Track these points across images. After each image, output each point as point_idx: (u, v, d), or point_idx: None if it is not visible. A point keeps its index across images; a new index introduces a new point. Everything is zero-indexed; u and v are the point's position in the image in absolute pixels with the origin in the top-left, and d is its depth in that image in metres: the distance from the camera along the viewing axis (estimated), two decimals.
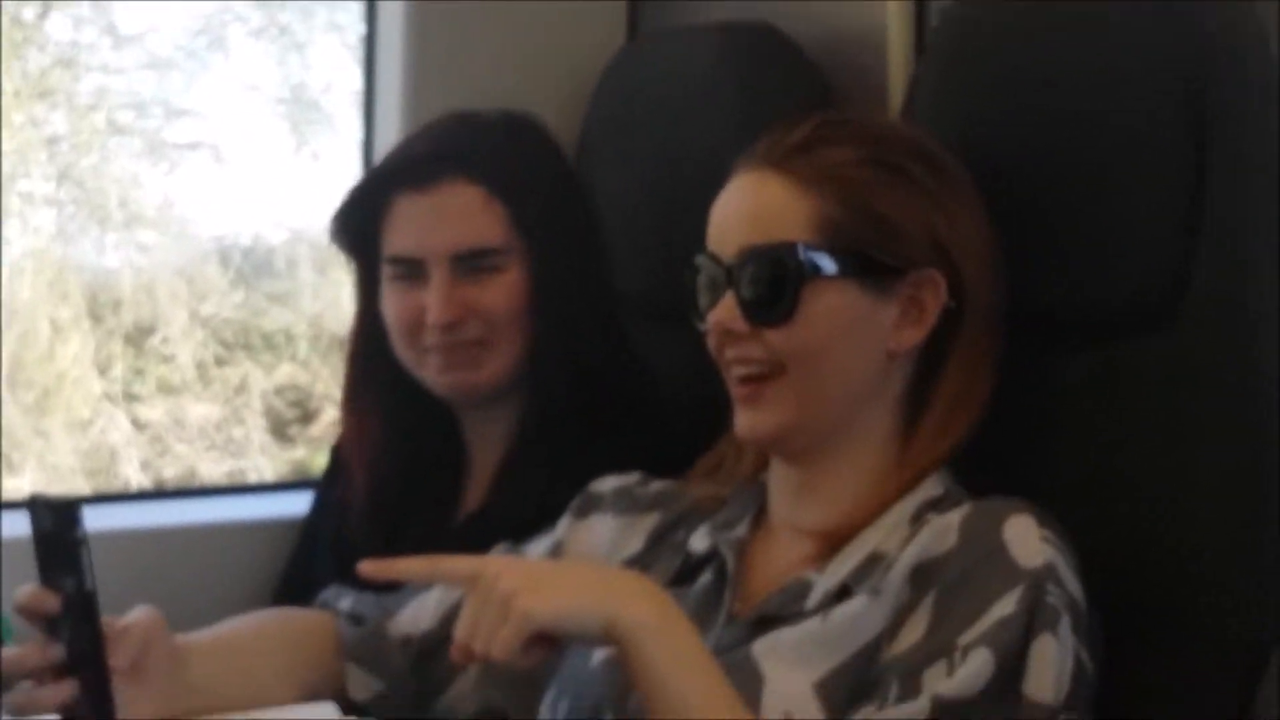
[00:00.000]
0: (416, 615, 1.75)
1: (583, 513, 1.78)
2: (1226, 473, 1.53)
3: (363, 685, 1.73)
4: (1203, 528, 1.54)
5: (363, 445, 2.07)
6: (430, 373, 2.00)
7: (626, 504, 1.76)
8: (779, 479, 1.65)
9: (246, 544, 2.29)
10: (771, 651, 1.50)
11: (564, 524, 1.78)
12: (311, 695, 1.70)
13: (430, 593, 1.77)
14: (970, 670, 1.40)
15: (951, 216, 1.58)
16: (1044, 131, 1.64)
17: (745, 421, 1.59)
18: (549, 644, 1.43)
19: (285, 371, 3.55)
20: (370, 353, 2.06)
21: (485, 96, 2.39)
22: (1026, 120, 1.66)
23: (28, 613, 1.49)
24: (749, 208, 1.59)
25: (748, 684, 1.48)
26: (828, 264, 1.55)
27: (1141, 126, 1.57)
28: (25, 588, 1.49)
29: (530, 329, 1.98)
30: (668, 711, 1.40)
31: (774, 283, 1.55)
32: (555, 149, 2.09)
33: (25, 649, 1.49)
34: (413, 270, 1.98)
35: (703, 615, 1.58)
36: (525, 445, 1.99)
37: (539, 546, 1.77)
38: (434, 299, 1.95)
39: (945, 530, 1.50)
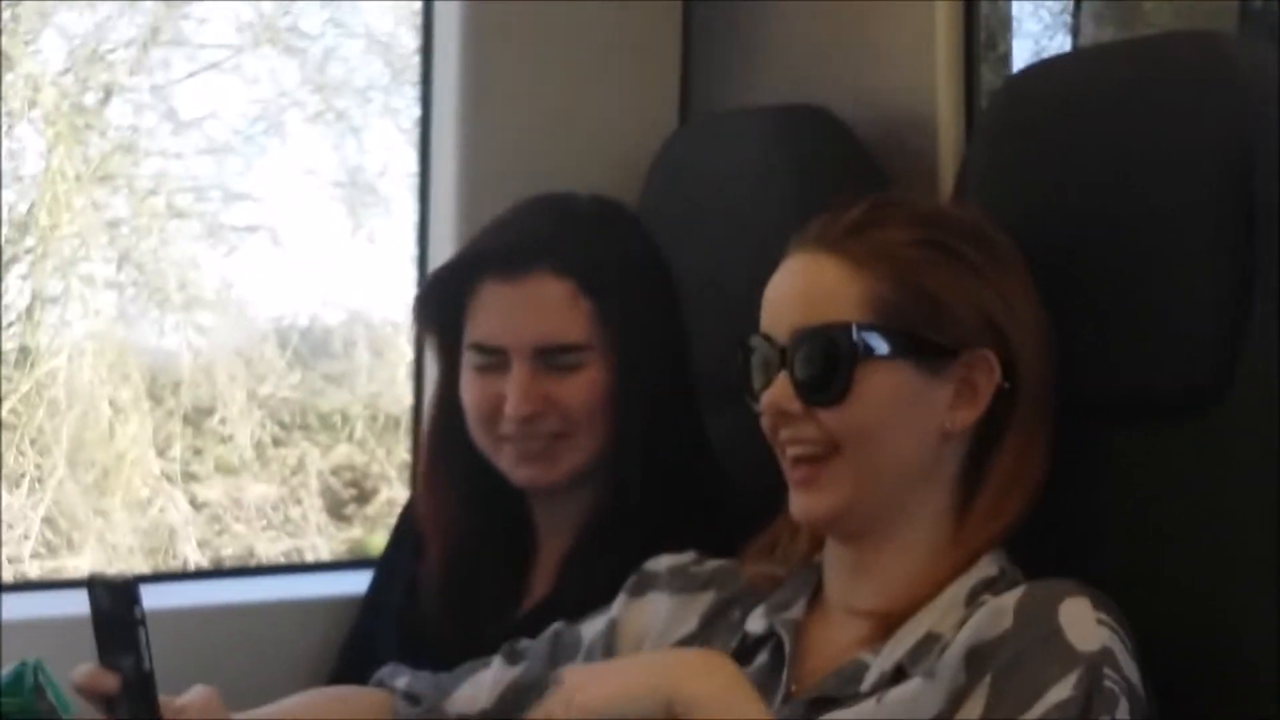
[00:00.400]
0: (473, 695, 1.76)
1: (638, 591, 1.78)
2: (1271, 554, 1.51)
3: None
4: (1246, 608, 1.52)
5: (438, 522, 2.06)
6: (505, 463, 1.99)
7: (681, 583, 1.76)
8: (834, 560, 1.65)
9: (303, 622, 2.29)
10: None
11: (619, 603, 1.78)
12: None
13: (487, 672, 1.77)
14: None
15: (1004, 296, 1.58)
16: (1093, 212, 1.64)
17: (801, 504, 1.59)
18: None
19: (342, 452, 3.57)
20: (448, 432, 2.05)
21: (539, 179, 2.41)
22: (1075, 201, 1.66)
23: (87, 691, 1.50)
24: (802, 288, 1.59)
25: None
26: (881, 344, 1.55)
27: (1190, 208, 1.57)
28: (84, 666, 1.50)
29: (609, 425, 1.97)
30: None
31: (828, 363, 1.55)
32: (645, 239, 2.07)
33: None
34: (494, 359, 1.97)
35: (762, 695, 1.58)
36: (595, 535, 1.98)
37: (595, 625, 1.78)
38: (513, 391, 1.94)
39: (1000, 612, 1.49)
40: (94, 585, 1.48)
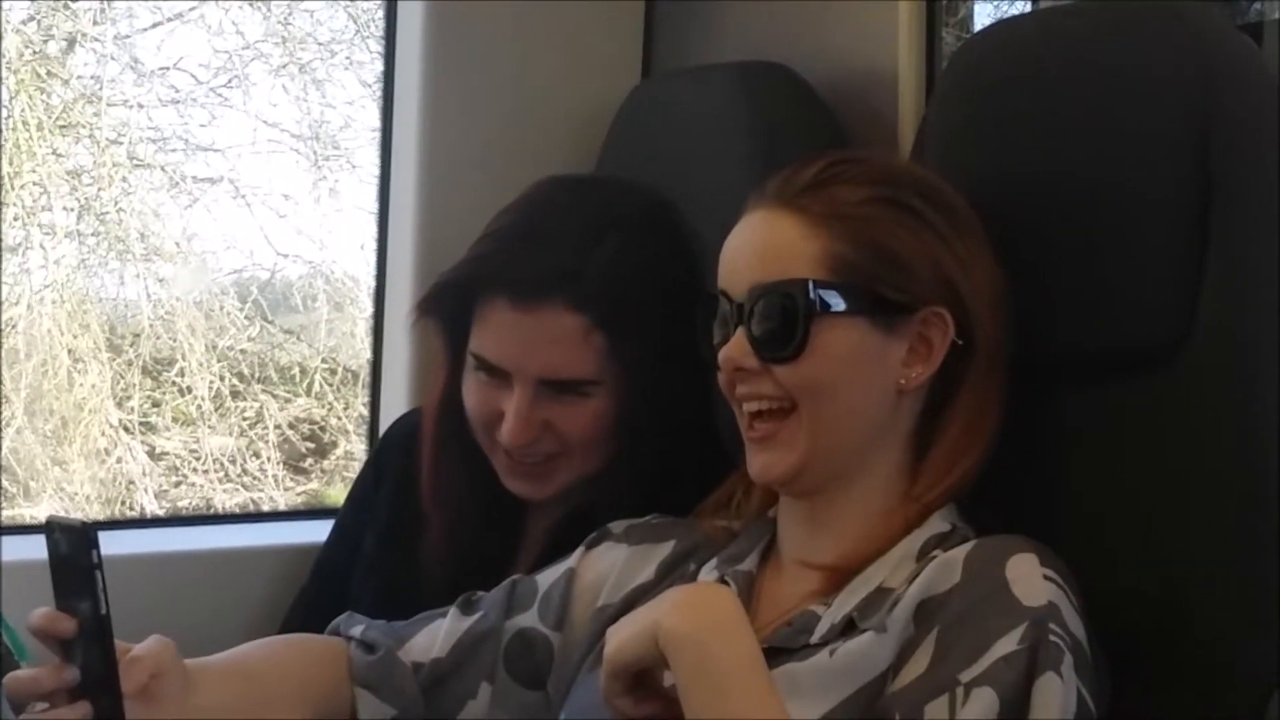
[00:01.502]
0: (428, 643, 1.77)
1: (595, 543, 1.80)
2: (1228, 513, 1.53)
3: (374, 710, 1.74)
4: (1203, 568, 1.54)
5: (445, 498, 2.03)
6: (499, 468, 1.97)
7: (640, 535, 1.78)
8: (788, 514, 1.66)
9: (260, 570, 2.30)
10: (780, 685, 1.49)
11: (577, 554, 1.80)
12: (319, 718, 1.72)
13: (442, 621, 1.78)
14: (974, 710, 1.40)
15: (959, 255, 1.60)
16: (1050, 173, 1.65)
17: (759, 462, 1.61)
18: (653, 688, 1.47)
19: (300, 405, 3.57)
20: (453, 416, 2.00)
21: (502, 135, 2.42)
22: (1033, 162, 1.67)
23: (43, 635, 1.50)
24: (759, 245, 1.60)
25: None
26: (837, 300, 1.56)
27: (1147, 171, 1.58)
28: (41, 610, 1.50)
29: (609, 449, 1.94)
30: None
31: (784, 319, 1.56)
32: (680, 254, 1.97)
33: (40, 671, 1.50)
34: (496, 375, 1.92)
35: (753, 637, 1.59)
36: (584, 518, 1.91)
37: (551, 574, 1.79)
38: (511, 416, 1.90)
39: (949, 567, 1.50)
40: (52, 529, 1.48)
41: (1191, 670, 1.54)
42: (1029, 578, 1.47)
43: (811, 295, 1.55)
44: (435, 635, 1.77)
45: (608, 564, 1.77)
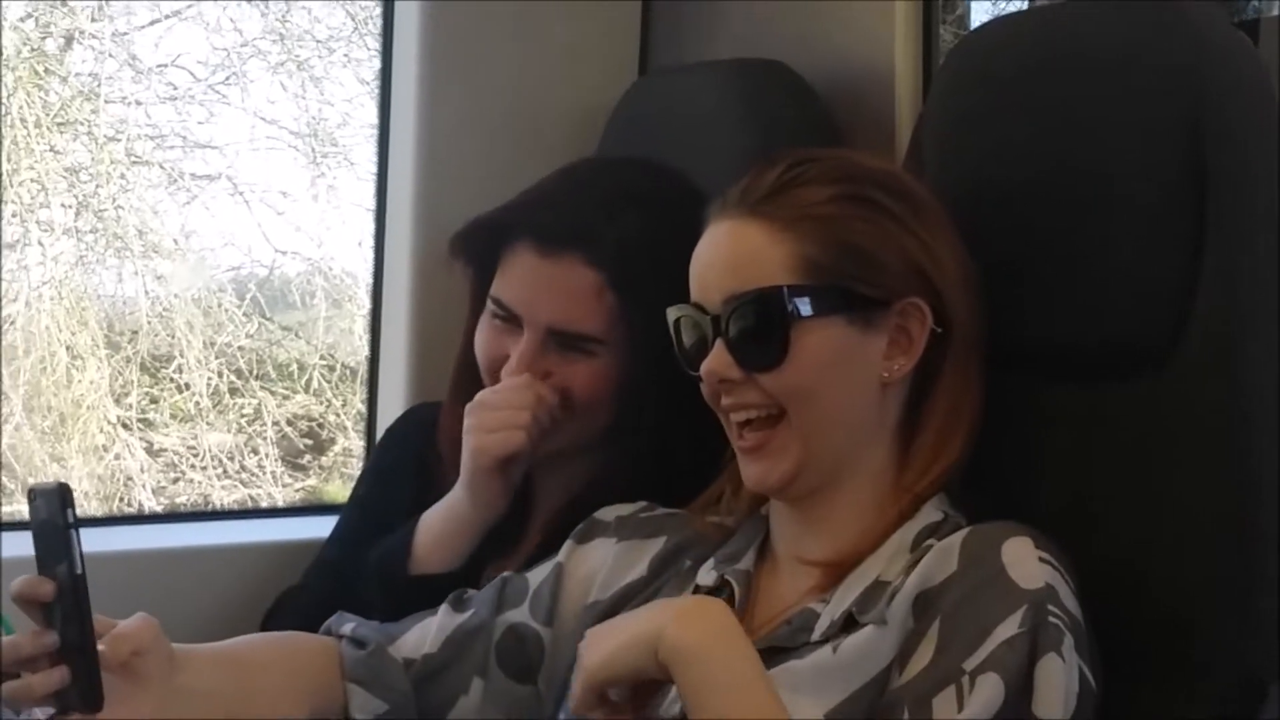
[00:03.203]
0: (419, 639, 1.77)
1: (585, 538, 1.80)
2: (1215, 512, 1.54)
3: (365, 705, 1.74)
4: (1191, 565, 1.55)
5: (455, 445, 2.01)
6: None
7: (630, 529, 1.79)
8: (781, 513, 1.67)
9: (258, 566, 2.30)
10: (782, 683, 1.50)
11: (566, 549, 1.80)
12: (311, 715, 1.72)
13: (433, 618, 1.79)
14: (981, 699, 1.42)
15: (926, 243, 1.60)
16: (1046, 169, 1.66)
17: (754, 472, 1.61)
18: (647, 691, 1.49)
19: (298, 401, 3.56)
20: (471, 364, 2.04)
21: (499, 132, 2.43)
22: (1028, 158, 1.67)
23: (24, 600, 1.51)
24: (729, 256, 1.61)
25: None
26: (813, 304, 1.57)
27: (1142, 168, 1.59)
28: (21, 576, 1.51)
29: (609, 413, 1.96)
30: None
31: (762, 328, 1.57)
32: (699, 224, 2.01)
33: (21, 637, 1.51)
34: (510, 318, 1.96)
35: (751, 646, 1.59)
36: (585, 505, 1.91)
37: (541, 572, 1.80)
38: (515, 359, 1.94)
39: (945, 556, 1.51)
40: (33, 496, 1.49)
41: (1182, 663, 1.55)
42: (1025, 561, 1.48)
43: (787, 301, 1.56)
44: (426, 631, 1.78)
45: (598, 559, 1.77)
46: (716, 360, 1.59)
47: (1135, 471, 1.59)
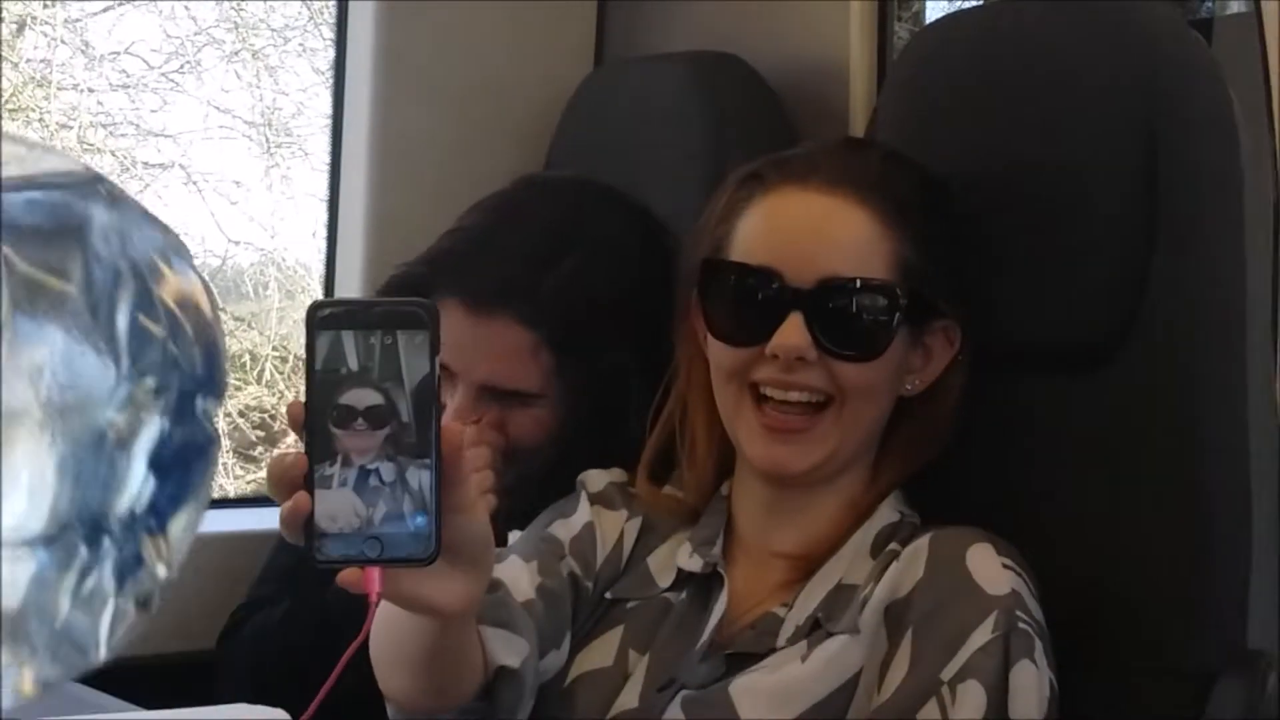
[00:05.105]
0: (513, 581, 1.57)
1: (605, 503, 1.70)
2: (1171, 505, 1.55)
3: (509, 649, 1.48)
4: (1146, 558, 1.56)
5: None
6: None
7: (605, 500, 1.70)
8: (754, 499, 1.64)
9: (210, 557, 2.28)
10: (748, 692, 1.51)
11: (583, 505, 1.69)
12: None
13: (518, 561, 1.61)
14: (965, 707, 1.43)
15: (970, 264, 1.61)
16: (999, 165, 1.66)
17: (778, 454, 1.57)
18: None
19: (251, 393, 3.55)
20: None
21: (453, 124, 2.42)
22: (982, 153, 1.68)
23: None
24: (832, 236, 1.56)
25: None
26: (906, 308, 1.56)
27: (1096, 163, 1.59)
28: None
29: (545, 459, 1.90)
30: None
31: (865, 319, 1.55)
32: (650, 261, 1.94)
33: None
34: (442, 372, 1.89)
35: (680, 637, 1.59)
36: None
37: (569, 524, 1.67)
38: (451, 415, 1.86)
39: (911, 564, 1.52)
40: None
41: (1136, 656, 1.56)
42: (989, 567, 1.49)
43: (898, 300, 1.55)
44: (519, 577, 1.60)
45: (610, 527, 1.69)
46: (796, 334, 1.53)
47: (1088, 466, 1.60)
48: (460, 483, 1.18)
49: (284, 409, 1.40)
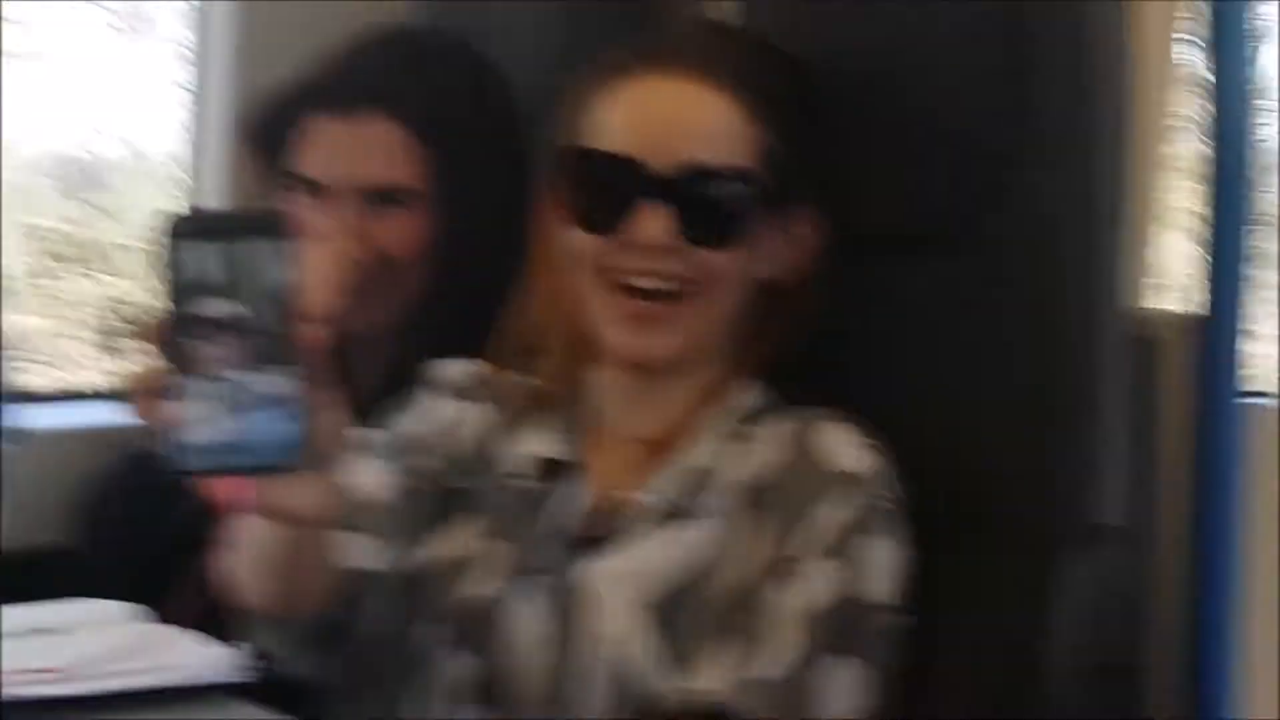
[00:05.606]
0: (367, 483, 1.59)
1: (448, 392, 1.69)
2: (1022, 384, 1.58)
3: (367, 554, 1.53)
4: (997, 437, 1.59)
5: None
6: None
7: (463, 389, 1.70)
8: (612, 385, 1.63)
9: (74, 450, 2.27)
10: (605, 573, 1.52)
11: (438, 399, 1.69)
12: None
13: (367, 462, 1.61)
14: (821, 583, 1.45)
15: (830, 149, 1.61)
16: (861, 42, 1.67)
17: (636, 343, 1.56)
18: None
19: (114, 284, 3.52)
20: None
21: (318, 6, 2.39)
22: (846, 30, 1.68)
23: None
24: (693, 122, 1.55)
25: (581, 605, 1.51)
26: (766, 196, 1.56)
27: (961, 47, 1.61)
28: None
29: (427, 275, 1.93)
30: None
31: (726, 207, 1.54)
32: (496, 89, 2.01)
33: None
34: (314, 189, 1.92)
35: (538, 524, 1.59)
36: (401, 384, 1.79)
37: (414, 418, 1.68)
38: (341, 234, 1.88)
39: (771, 446, 1.53)
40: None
41: (981, 536, 1.59)
42: (849, 447, 1.52)
43: (760, 186, 1.55)
44: (375, 479, 1.61)
45: (439, 419, 1.68)
46: (657, 222, 1.52)
47: (945, 348, 1.63)
48: (322, 388, 1.19)
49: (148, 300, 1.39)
